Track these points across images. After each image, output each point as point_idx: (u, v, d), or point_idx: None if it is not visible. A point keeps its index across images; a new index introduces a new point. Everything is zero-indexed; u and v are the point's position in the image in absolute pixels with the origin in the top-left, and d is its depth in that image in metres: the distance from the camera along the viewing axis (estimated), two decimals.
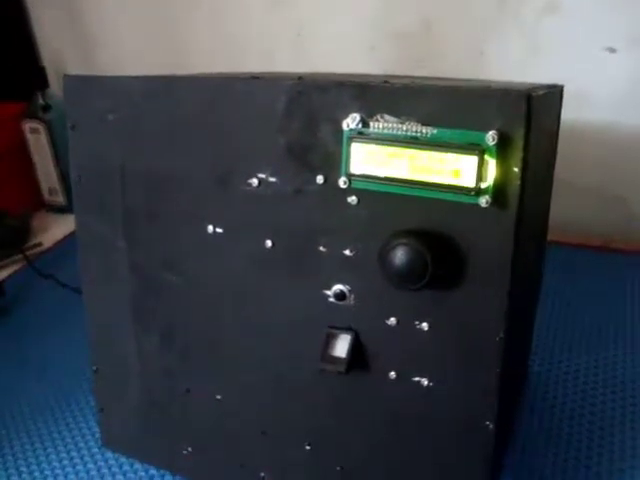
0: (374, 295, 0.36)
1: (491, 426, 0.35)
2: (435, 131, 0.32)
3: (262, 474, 0.44)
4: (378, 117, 0.33)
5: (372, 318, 0.36)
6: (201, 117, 0.38)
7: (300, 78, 0.37)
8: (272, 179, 0.37)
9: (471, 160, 0.30)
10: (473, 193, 0.31)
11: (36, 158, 1.11)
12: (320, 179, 0.35)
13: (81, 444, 0.54)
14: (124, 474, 0.50)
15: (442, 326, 0.35)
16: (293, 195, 0.36)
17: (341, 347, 0.37)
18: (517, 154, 0.30)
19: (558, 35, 0.83)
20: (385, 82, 0.34)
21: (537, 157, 0.36)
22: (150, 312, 0.44)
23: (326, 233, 0.36)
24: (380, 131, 0.33)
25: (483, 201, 0.31)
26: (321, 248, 0.37)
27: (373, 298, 0.36)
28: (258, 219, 0.38)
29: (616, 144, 0.84)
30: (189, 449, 0.46)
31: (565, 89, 0.49)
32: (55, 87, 1.13)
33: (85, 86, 0.42)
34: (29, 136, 1.09)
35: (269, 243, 0.38)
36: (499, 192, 0.31)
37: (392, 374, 0.37)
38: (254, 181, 0.37)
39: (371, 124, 0.33)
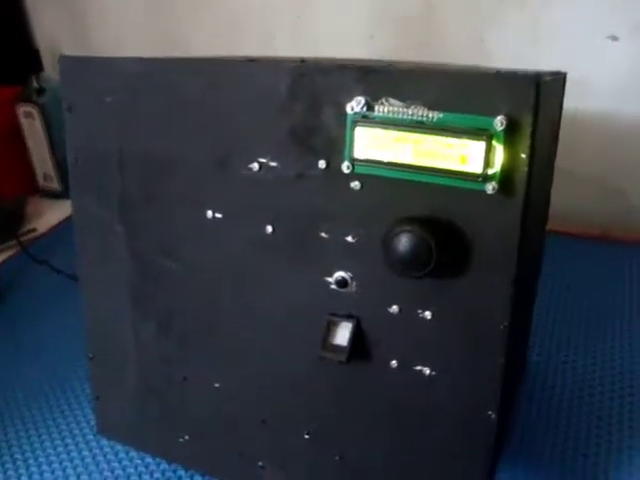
0: (376, 282, 0.35)
1: (493, 416, 0.35)
2: (441, 115, 0.31)
3: (261, 463, 0.43)
4: (383, 101, 0.32)
5: (374, 306, 0.36)
6: (200, 99, 0.37)
7: (303, 61, 0.36)
8: (273, 163, 0.36)
9: (479, 146, 0.30)
10: (480, 179, 0.30)
11: (30, 143, 1.10)
12: (322, 164, 0.35)
13: (76, 431, 0.53)
14: (119, 462, 0.50)
15: (445, 314, 0.34)
16: (294, 180, 0.36)
17: (342, 335, 0.37)
18: (525, 140, 0.30)
19: (560, 23, 0.82)
20: (389, 66, 0.33)
21: (541, 144, 0.36)
22: (148, 299, 0.43)
23: (328, 219, 0.36)
24: (385, 115, 0.32)
25: (490, 187, 0.30)
26: (323, 234, 0.36)
27: (375, 285, 0.35)
28: (258, 204, 0.37)
29: (617, 133, 0.84)
30: (186, 437, 0.46)
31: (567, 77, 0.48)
32: (50, 70, 1.11)
33: (82, 67, 0.41)
34: (23, 120, 1.08)
35: (269, 229, 0.37)
36: (506, 179, 0.30)
37: (394, 363, 0.36)
38: (255, 165, 0.37)
39: (376, 108, 0.32)
